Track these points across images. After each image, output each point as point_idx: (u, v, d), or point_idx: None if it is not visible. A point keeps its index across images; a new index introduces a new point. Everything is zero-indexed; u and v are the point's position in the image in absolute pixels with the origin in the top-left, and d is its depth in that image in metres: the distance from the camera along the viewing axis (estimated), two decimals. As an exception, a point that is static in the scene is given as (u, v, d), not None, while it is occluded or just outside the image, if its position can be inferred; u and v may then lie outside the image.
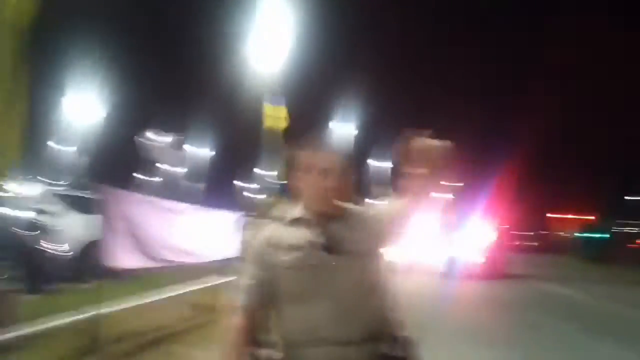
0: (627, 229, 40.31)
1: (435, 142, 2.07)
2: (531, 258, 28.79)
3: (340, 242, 2.11)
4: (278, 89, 20.94)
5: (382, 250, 2.24)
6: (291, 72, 22.82)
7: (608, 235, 34.18)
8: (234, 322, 2.17)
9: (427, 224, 2.27)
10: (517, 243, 39.30)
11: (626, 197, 42.46)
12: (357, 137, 36.20)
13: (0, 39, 5.11)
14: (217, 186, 38.81)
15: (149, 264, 7.71)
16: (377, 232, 2.19)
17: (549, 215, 49.34)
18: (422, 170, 2.09)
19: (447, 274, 17.97)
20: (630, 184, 41.64)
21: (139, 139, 38.06)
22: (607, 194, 40.97)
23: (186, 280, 10.73)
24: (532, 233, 49.24)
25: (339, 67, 39.81)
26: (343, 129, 34.98)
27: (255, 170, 42.72)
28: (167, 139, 39.93)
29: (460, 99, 40.27)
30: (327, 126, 36.72)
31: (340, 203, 2.20)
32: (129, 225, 7.06)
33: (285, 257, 2.10)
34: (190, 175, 45.77)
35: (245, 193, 45.92)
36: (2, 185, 5.16)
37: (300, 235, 2.14)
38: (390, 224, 2.21)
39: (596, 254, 30.41)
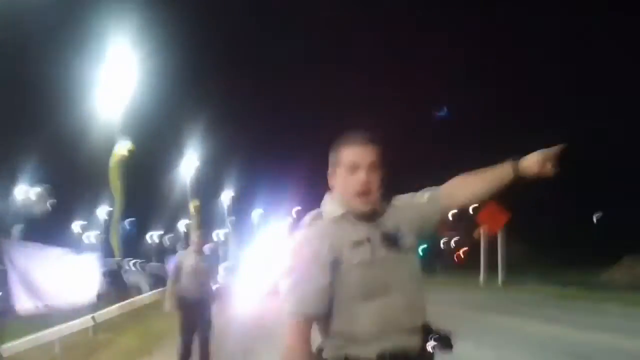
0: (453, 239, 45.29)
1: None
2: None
3: (393, 237, 2.14)
4: (123, 131, 21.84)
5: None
6: (137, 111, 23.70)
7: (427, 249, 38.34)
8: (296, 334, 2.06)
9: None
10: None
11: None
12: (201, 171, 37.53)
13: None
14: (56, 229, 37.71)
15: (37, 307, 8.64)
16: (421, 222, 2.28)
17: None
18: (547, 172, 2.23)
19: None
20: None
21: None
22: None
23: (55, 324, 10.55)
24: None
25: (184, 105, 41.28)
26: (187, 163, 36.03)
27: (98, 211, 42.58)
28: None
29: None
30: (172, 162, 37.62)
31: (383, 199, 2.22)
32: (21, 273, 8.14)
33: (355, 254, 2.08)
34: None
35: (86, 234, 45.40)
36: None
37: (359, 231, 2.12)
38: (441, 208, 2.33)
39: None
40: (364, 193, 2.14)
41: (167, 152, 38.34)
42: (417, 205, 2.30)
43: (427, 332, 2.14)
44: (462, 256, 41.63)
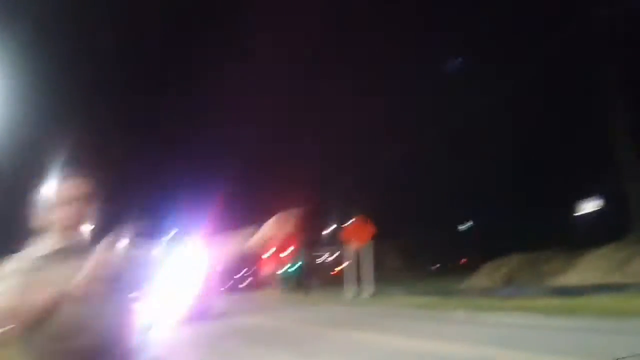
0: (329, 259, 46.38)
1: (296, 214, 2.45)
2: (241, 295, 32.26)
3: (103, 277, 2.02)
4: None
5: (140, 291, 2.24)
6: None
7: (300, 268, 39.02)
8: None
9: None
10: (231, 283, 42.85)
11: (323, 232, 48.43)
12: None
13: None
14: None
15: None
16: (141, 273, 2.26)
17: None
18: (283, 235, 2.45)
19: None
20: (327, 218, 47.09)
21: None
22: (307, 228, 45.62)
23: None
24: (244, 272, 53.94)
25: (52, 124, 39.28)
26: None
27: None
28: None
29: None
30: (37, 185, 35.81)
31: (87, 234, 2.19)
32: None
33: (50, 292, 1.94)
34: None
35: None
36: None
37: (62, 269, 2.02)
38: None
39: (293, 285, 34.83)
40: (70, 227, 2.17)
41: (32, 176, 36.44)
42: (144, 254, 2.39)
43: None
44: (337, 272, 42.59)
